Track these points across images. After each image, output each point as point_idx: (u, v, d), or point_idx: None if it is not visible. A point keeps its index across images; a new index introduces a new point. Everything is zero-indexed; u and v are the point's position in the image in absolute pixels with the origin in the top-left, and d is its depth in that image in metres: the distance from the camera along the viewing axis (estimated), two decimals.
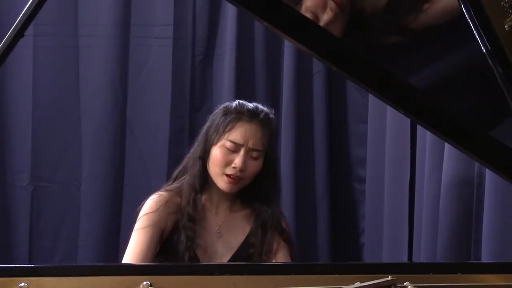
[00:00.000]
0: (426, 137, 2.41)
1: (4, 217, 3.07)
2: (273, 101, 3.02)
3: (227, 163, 2.08)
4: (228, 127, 2.08)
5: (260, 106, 2.16)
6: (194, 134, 3.07)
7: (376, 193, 2.86)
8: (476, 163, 2.14)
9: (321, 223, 3.02)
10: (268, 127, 2.13)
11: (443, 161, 2.27)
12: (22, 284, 1.54)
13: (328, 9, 1.50)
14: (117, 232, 3.05)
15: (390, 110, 2.67)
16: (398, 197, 2.65)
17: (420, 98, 1.54)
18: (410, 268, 1.68)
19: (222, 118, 2.11)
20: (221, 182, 2.10)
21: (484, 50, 1.43)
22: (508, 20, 1.39)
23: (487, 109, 1.63)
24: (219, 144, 2.09)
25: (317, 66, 3.00)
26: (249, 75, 3.05)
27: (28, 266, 1.79)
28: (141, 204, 2.18)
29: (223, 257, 2.13)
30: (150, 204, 2.15)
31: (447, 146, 2.24)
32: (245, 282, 1.61)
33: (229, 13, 3.00)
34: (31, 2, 1.54)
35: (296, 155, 2.98)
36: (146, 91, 3.06)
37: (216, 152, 2.09)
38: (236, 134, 2.08)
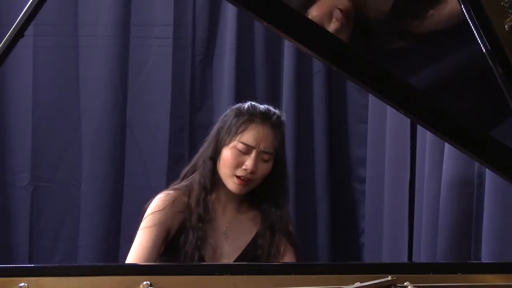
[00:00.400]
0: (426, 137, 2.41)
1: (4, 217, 3.07)
2: (273, 101, 3.01)
3: (238, 165, 2.08)
4: (241, 129, 2.09)
5: (271, 108, 2.16)
6: (194, 134, 3.08)
7: (376, 193, 2.86)
8: (476, 163, 2.14)
9: (321, 223, 3.02)
10: (279, 130, 2.13)
11: (443, 161, 2.27)
12: (22, 284, 1.54)
13: (334, 19, 1.50)
14: (117, 232, 3.05)
15: (390, 110, 2.67)
16: (398, 197, 2.65)
17: (420, 98, 1.54)
18: (410, 268, 1.68)
19: (235, 119, 2.11)
20: (231, 184, 2.10)
21: (484, 50, 1.43)
22: (508, 20, 1.39)
23: (487, 109, 1.63)
24: (230, 145, 2.09)
25: (317, 66, 3.00)
26: (249, 75, 3.05)
27: (28, 266, 1.79)
28: (148, 202, 2.17)
29: (229, 258, 2.13)
30: (157, 203, 2.14)
31: (447, 146, 2.24)
32: (245, 282, 1.61)
33: (229, 13, 3.00)
34: (31, 2, 1.54)
35: (296, 155, 2.98)
36: (146, 91, 3.06)
37: (227, 153, 2.09)
38: (249, 136, 2.08)
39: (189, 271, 1.66)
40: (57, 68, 3.07)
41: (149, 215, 2.13)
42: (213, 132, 2.17)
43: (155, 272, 1.62)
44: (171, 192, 2.17)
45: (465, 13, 1.42)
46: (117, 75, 3.04)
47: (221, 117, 2.19)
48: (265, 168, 2.10)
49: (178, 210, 2.13)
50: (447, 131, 1.56)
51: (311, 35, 1.48)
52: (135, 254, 2.07)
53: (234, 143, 2.08)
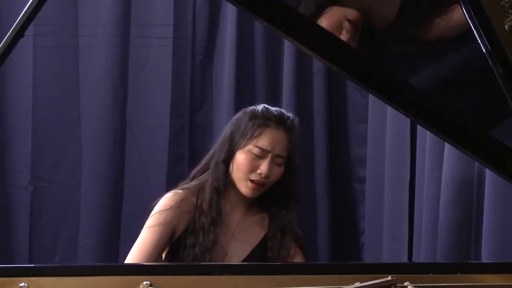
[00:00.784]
0: (426, 137, 2.41)
1: (4, 217, 3.07)
2: (273, 101, 3.01)
3: (253, 169, 2.08)
4: (256, 133, 2.09)
5: (284, 111, 2.17)
6: (194, 134, 3.09)
7: (376, 193, 2.86)
8: (476, 163, 2.14)
9: (321, 223, 3.02)
10: (293, 134, 2.14)
11: (443, 161, 2.27)
12: (22, 284, 1.54)
13: (344, 31, 1.50)
14: (117, 232, 3.05)
15: (390, 110, 2.67)
16: (398, 197, 2.65)
17: (420, 98, 1.54)
18: (410, 268, 1.68)
19: (250, 123, 2.11)
20: (244, 187, 2.10)
21: (484, 50, 1.43)
22: (508, 20, 1.39)
23: (487, 109, 1.63)
24: (245, 149, 2.09)
25: (317, 66, 3.00)
26: (249, 75, 3.05)
27: (28, 266, 1.79)
28: (156, 200, 2.17)
29: (236, 259, 2.13)
30: (165, 202, 2.14)
31: (447, 146, 2.24)
32: (245, 282, 1.61)
33: (229, 13, 3.00)
34: (31, 2, 1.54)
35: None
36: (146, 91, 3.06)
37: (242, 157, 2.09)
38: (264, 140, 2.08)
39: (189, 271, 1.66)
40: (57, 68, 3.07)
41: (155, 213, 2.13)
42: (225, 134, 2.16)
43: (155, 272, 1.61)
44: (180, 191, 2.17)
45: (465, 13, 1.42)
46: (117, 75, 3.04)
47: (233, 119, 2.19)
48: (278, 171, 2.11)
49: (186, 210, 2.13)
50: (447, 131, 1.56)
51: (311, 35, 1.48)
52: (137, 252, 2.08)
53: (249, 147, 2.08)
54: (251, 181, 2.08)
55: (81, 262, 3.00)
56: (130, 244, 3.03)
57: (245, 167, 2.08)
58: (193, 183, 2.20)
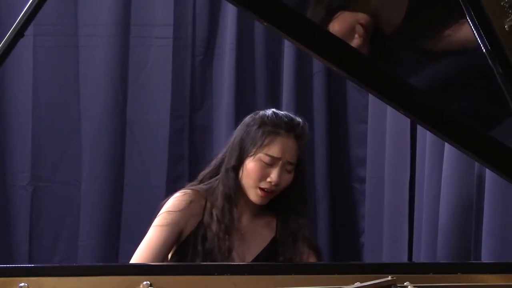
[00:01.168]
0: (426, 137, 2.41)
1: (4, 217, 3.07)
2: (273, 101, 3.02)
3: (263, 177, 2.06)
4: (266, 141, 2.06)
5: (294, 117, 2.14)
6: (194, 134, 3.09)
7: (376, 193, 2.86)
8: (476, 163, 2.14)
9: (321, 223, 3.02)
10: (302, 140, 2.12)
11: (443, 161, 2.27)
12: (22, 284, 1.54)
13: (356, 35, 1.50)
14: (117, 232, 3.06)
15: (390, 110, 2.67)
16: (398, 197, 2.65)
17: (420, 98, 1.54)
18: (410, 268, 1.68)
19: (260, 130, 2.08)
20: (253, 195, 2.09)
21: (484, 50, 1.43)
22: (508, 20, 1.39)
23: (487, 109, 1.63)
24: (255, 157, 2.06)
25: (317, 66, 3.00)
26: (249, 75, 3.05)
27: (28, 266, 1.79)
28: (165, 199, 2.17)
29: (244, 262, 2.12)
30: (174, 202, 2.13)
31: (447, 146, 2.24)
32: (245, 282, 1.61)
33: (229, 13, 3.00)
34: (31, 2, 1.54)
35: None
36: (146, 91, 3.06)
37: (252, 165, 2.07)
38: (275, 149, 2.06)
39: (189, 271, 1.66)
40: (57, 68, 3.07)
41: (164, 213, 2.12)
42: (235, 140, 2.14)
43: (155, 272, 1.62)
44: (189, 191, 2.16)
45: (465, 13, 1.42)
46: (117, 75, 3.04)
47: (243, 124, 2.16)
48: (288, 178, 2.09)
49: (195, 213, 2.12)
50: (447, 131, 1.56)
51: (311, 35, 1.48)
52: (144, 251, 2.07)
53: (259, 155, 2.06)
54: (261, 189, 2.07)
55: (81, 262, 3.00)
56: (130, 244, 3.03)
57: (256, 175, 2.06)
58: (203, 186, 2.18)
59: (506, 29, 1.39)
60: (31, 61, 3.03)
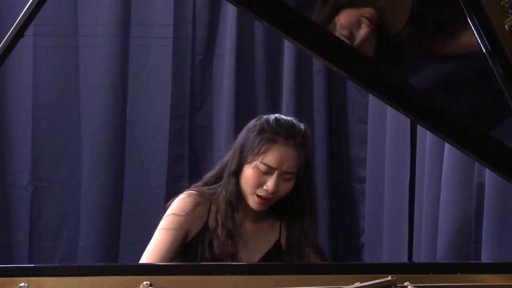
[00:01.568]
0: (426, 137, 2.41)
1: (4, 217, 3.07)
2: (273, 101, 3.02)
3: (259, 185, 2.04)
4: (263, 149, 2.03)
5: (296, 124, 2.10)
6: (194, 134, 3.09)
7: (376, 193, 2.86)
8: (476, 163, 2.14)
9: (321, 223, 3.02)
10: (303, 148, 2.07)
11: (443, 161, 2.27)
12: (22, 284, 1.54)
13: (363, 25, 1.51)
14: (117, 232, 3.06)
15: (390, 110, 2.67)
16: (398, 197, 2.65)
17: (420, 98, 1.54)
18: (410, 268, 1.68)
19: (258, 137, 2.05)
20: (251, 201, 2.08)
21: (484, 50, 1.43)
22: (508, 20, 1.39)
23: (487, 109, 1.63)
24: (252, 164, 2.04)
25: (317, 66, 3.00)
26: (249, 75, 3.05)
27: (28, 266, 1.80)
28: (171, 200, 2.16)
29: None
30: (179, 204, 2.12)
31: (447, 146, 2.24)
32: (245, 282, 1.61)
33: (229, 13, 3.00)
34: (31, 2, 1.54)
35: None
36: (146, 91, 3.06)
37: (249, 172, 2.05)
38: (271, 157, 2.03)
39: (189, 271, 1.66)
40: (57, 68, 3.07)
41: (169, 215, 2.11)
42: (238, 143, 2.12)
43: (155, 272, 1.62)
44: (194, 192, 2.15)
45: (465, 13, 1.42)
46: (117, 75, 3.04)
47: (245, 128, 2.13)
48: (287, 186, 2.06)
49: (200, 216, 2.12)
50: (447, 131, 1.56)
51: (311, 35, 1.48)
52: (151, 255, 2.07)
53: (256, 163, 2.03)
54: (258, 196, 2.05)
55: (81, 262, 3.00)
56: (130, 244, 3.04)
57: (252, 182, 2.04)
58: (207, 190, 2.17)
59: (506, 29, 1.39)
60: (31, 61, 3.03)
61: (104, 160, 3.05)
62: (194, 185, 2.24)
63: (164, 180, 3.02)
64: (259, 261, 2.13)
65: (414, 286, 1.58)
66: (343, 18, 1.52)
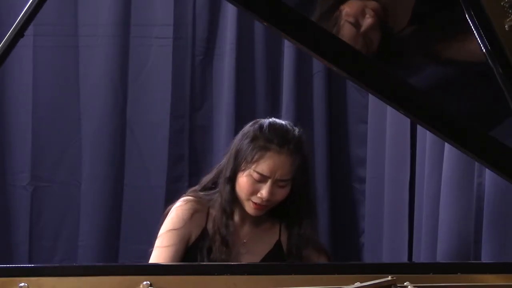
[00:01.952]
0: (426, 137, 2.40)
1: (4, 217, 3.07)
2: (273, 101, 3.02)
3: (254, 192, 2.03)
4: (256, 157, 2.01)
5: (290, 129, 2.07)
6: (194, 134, 3.08)
7: (376, 193, 2.86)
8: (476, 163, 2.14)
9: (321, 223, 3.02)
10: (298, 154, 2.04)
11: (443, 161, 2.27)
12: (22, 284, 1.54)
13: (367, 15, 1.51)
14: (117, 232, 3.05)
15: (390, 110, 2.67)
16: (398, 197, 2.65)
17: (420, 98, 1.54)
18: (410, 268, 1.69)
19: (251, 145, 2.02)
20: (247, 207, 2.07)
21: (484, 50, 1.43)
22: (508, 20, 1.39)
23: (487, 109, 1.63)
24: (246, 172, 2.03)
25: (317, 66, 3.00)
26: (249, 75, 3.05)
27: (28, 266, 1.80)
28: (170, 206, 2.15)
29: None
30: (177, 212, 2.11)
31: (447, 146, 2.23)
32: (245, 282, 1.61)
33: (229, 13, 3.00)
34: (31, 2, 1.54)
35: None
36: (146, 91, 3.06)
37: (243, 180, 2.04)
38: (264, 166, 2.00)
39: (189, 271, 1.67)
40: (57, 68, 3.07)
41: (166, 232, 2.10)
42: (232, 149, 2.10)
43: (155, 272, 1.62)
44: (191, 199, 2.14)
45: (465, 13, 1.42)
46: (117, 75, 3.04)
47: (241, 133, 2.11)
48: (282, 193, 2.05)
49: (198, 223, 2.12)
50: (447, 131, 1.56)
51: (311, 35, 1.48)
52: None
53: (249, 171, 2.02)
54: (253, 202, 2.04)
55: (81, 262, 3.00)
56: (130, 244, 3.04)
57: (246, 190, 2.03)
58: (204, 196, 2.16)
59: (506, 29, 1.39)
60: (31, 61, 3.03)
61: (104, 160, 3.05)
62: (191, 189, 2.23)
63: (164, 180, 3.02)
64: (260, 261, 2.12)
65: (414, 286, 1.58)
66: (348, 7, 1.53)
